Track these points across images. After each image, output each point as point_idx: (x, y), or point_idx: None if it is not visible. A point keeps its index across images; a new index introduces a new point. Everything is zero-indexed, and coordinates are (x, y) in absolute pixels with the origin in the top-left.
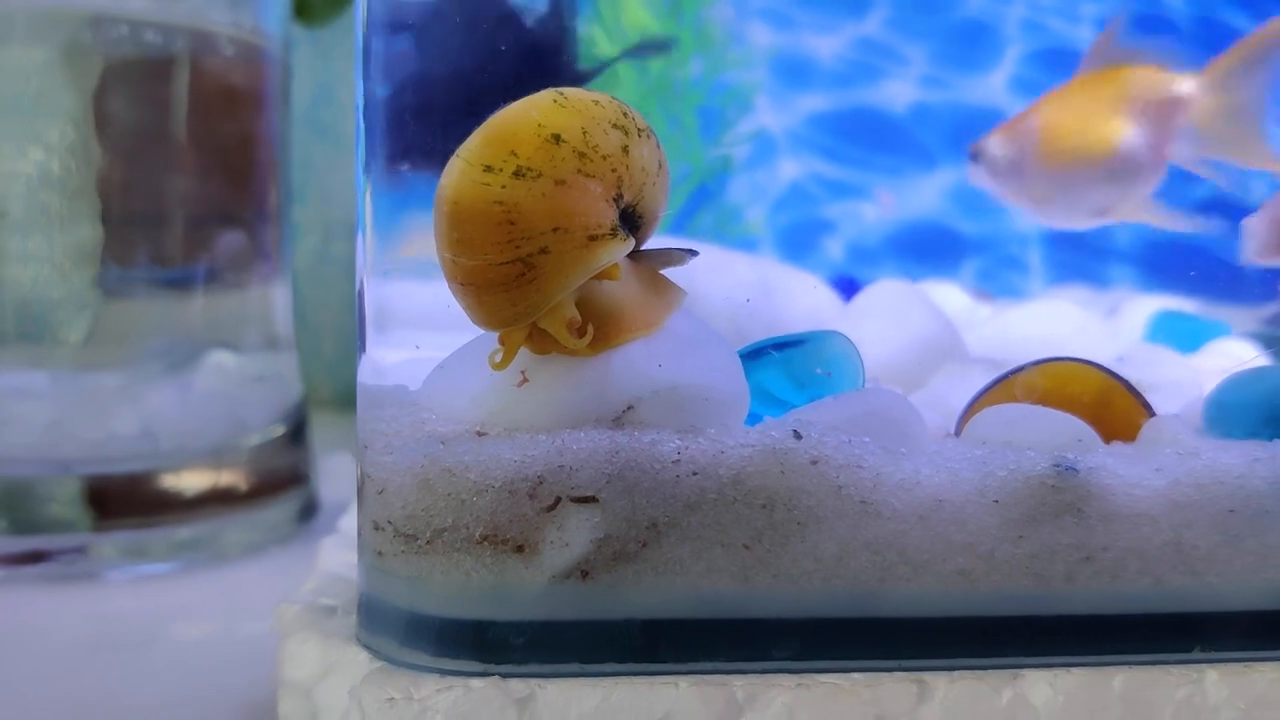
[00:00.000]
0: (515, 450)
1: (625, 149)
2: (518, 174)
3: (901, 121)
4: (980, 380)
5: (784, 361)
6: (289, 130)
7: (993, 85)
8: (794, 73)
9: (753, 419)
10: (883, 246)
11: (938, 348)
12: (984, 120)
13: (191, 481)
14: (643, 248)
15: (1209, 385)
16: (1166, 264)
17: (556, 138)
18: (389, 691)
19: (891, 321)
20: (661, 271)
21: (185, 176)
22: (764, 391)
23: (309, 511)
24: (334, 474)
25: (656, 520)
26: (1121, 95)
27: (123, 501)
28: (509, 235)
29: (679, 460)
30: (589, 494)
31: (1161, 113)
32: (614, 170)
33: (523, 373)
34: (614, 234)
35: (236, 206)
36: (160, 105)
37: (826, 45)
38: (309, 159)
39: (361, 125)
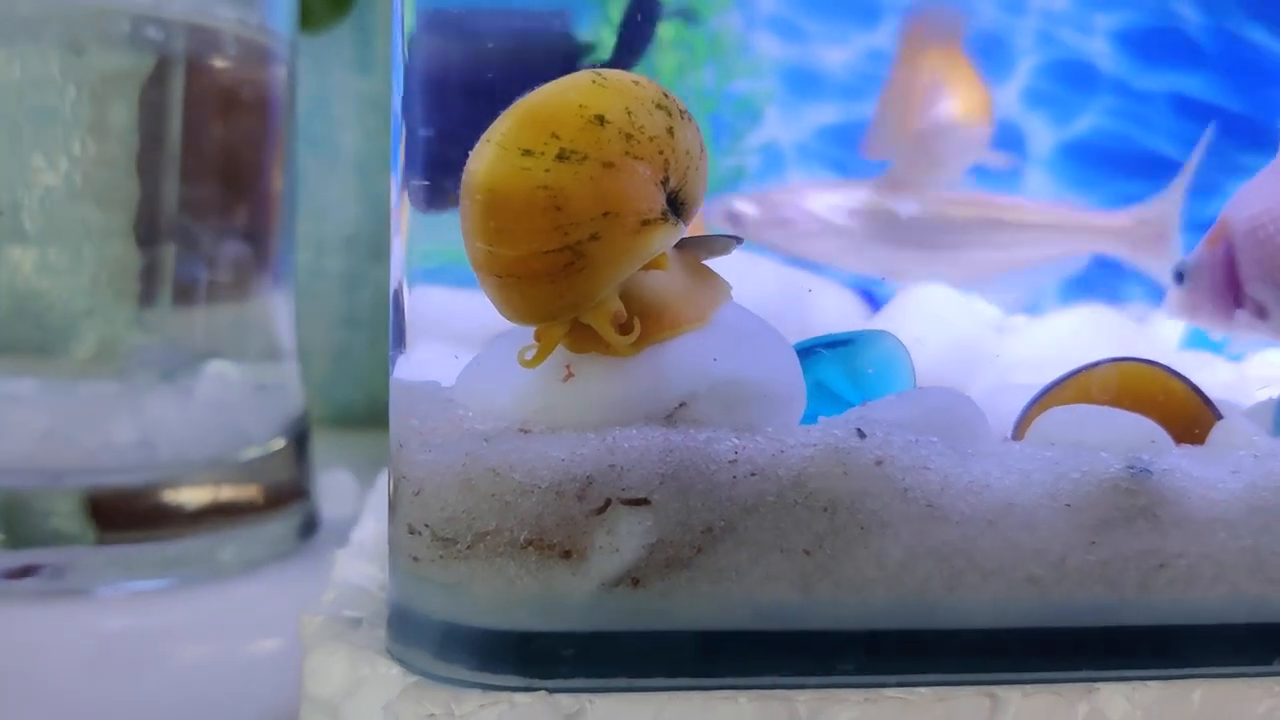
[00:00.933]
0: (563, 449)
1: (670, 130)
2: (561, 157)
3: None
4: (1024, 387)
5: (837, 359)
6: (294, 136)
7: (1005, 98)
8: (804, 84)
9: (807, 419)
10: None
11: (978, 352)
12: (998, 136)
13: (190, 494)
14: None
15: (1262, 391)
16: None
17: (600, 119)
18: (428, 707)
19: (929, 326)
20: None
21: (190, 183)
22: (821, 387)
23: (310, 527)
24: (331, 491)
25: (712, 524)
26: None
27: (120, 514)
28: (555, 222)
29: (736, 460)
30: (641, 496)
31: None
32: (660, 153)
33: (568, 367)
34: (665, 218)
35: (240, 214)
36: (164, 110)
37: (836, 56)
38: (302, 173)
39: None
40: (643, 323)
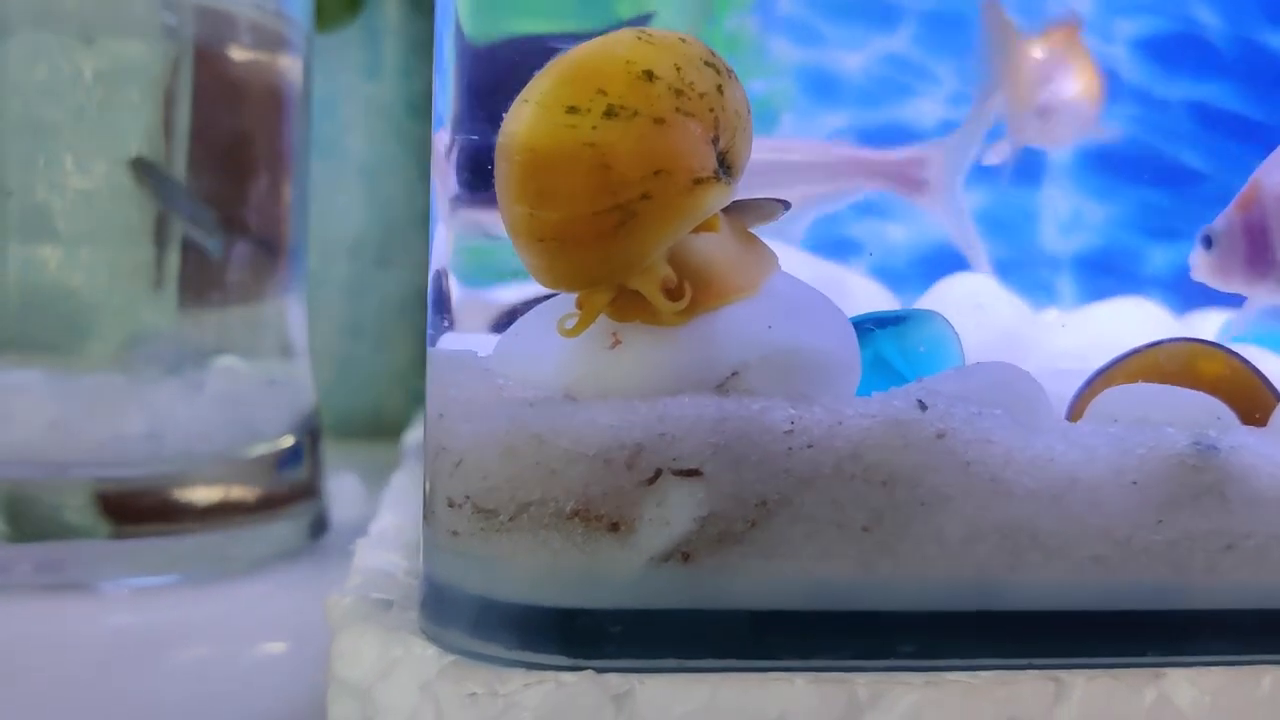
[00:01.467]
0: (612, 415)
1: (720, 89)
2: (609, 113)
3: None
4: (1071, 372)
5: (889, 336)
6: (309, 131)
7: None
8: (821, 88)
9: (862, 393)
10: (910, 267)
11: (1021, 340)
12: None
13: (198, 488)
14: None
15: None
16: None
17: (649, 74)
18: (468, 686)
19: (969, 313)
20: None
21: (207, 178)
22: (878, 360)
23: (320, 527)
24: (339, 495)
25: (766, 497)
26: None
27: (127, 508)
28: (604, 181)
29: (792, 431)
30: (692, 466)
31: None
32: (711, 110)
33: (615, 334)
34: (717, 177)
35: (252, 212)
36: (176, 101)
37: (854, 61)
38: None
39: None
40: (692, 290)
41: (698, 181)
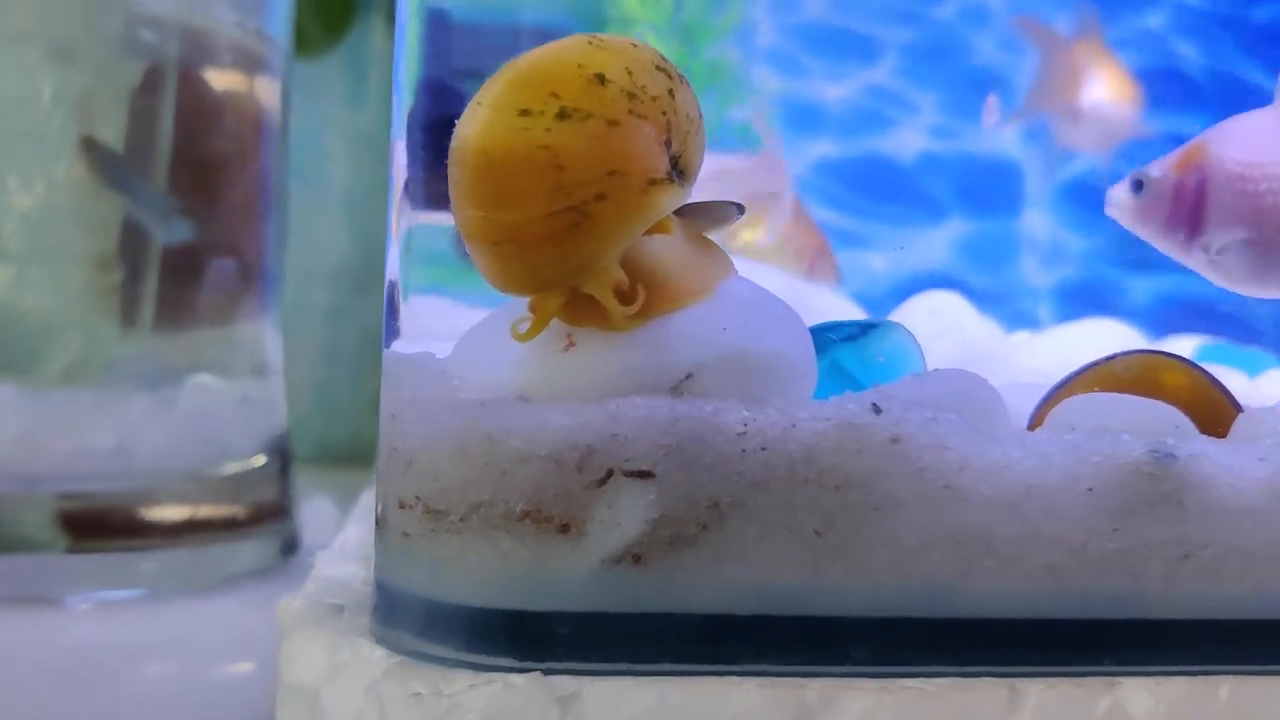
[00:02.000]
0: (564, 415)
1: (671, 92)
2: (562, 115)
3: (911, 171)
4: (1035, 386)
5: (848, 345)
6: (287, 152)
7: (1004, 135)
8: (802, 119)
9: (817, 399)
10: (889, 296)
11: (988, 356)
12: (995, 171)
13: (166, 505)
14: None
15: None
16: (1185, 317)
17: (601, 77)
18: (414, 686)
19: (938, 328)
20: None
21: (184, 197)
22: (835, 367)
23: (290, 547)
24: (312, 518)
25: (718, 499)
26: None
27: (93, 523)
28: (558, 182)
29: (745, 433)
30: (644, 468)
31: None
32: (663, 113)
33: (568, 336)
34: (670, 179)
35: (231, 233)
36: (153, 120)
37: (835, 92)
38: (290, 205)
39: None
40: (645, 293)
41: (651, 182)
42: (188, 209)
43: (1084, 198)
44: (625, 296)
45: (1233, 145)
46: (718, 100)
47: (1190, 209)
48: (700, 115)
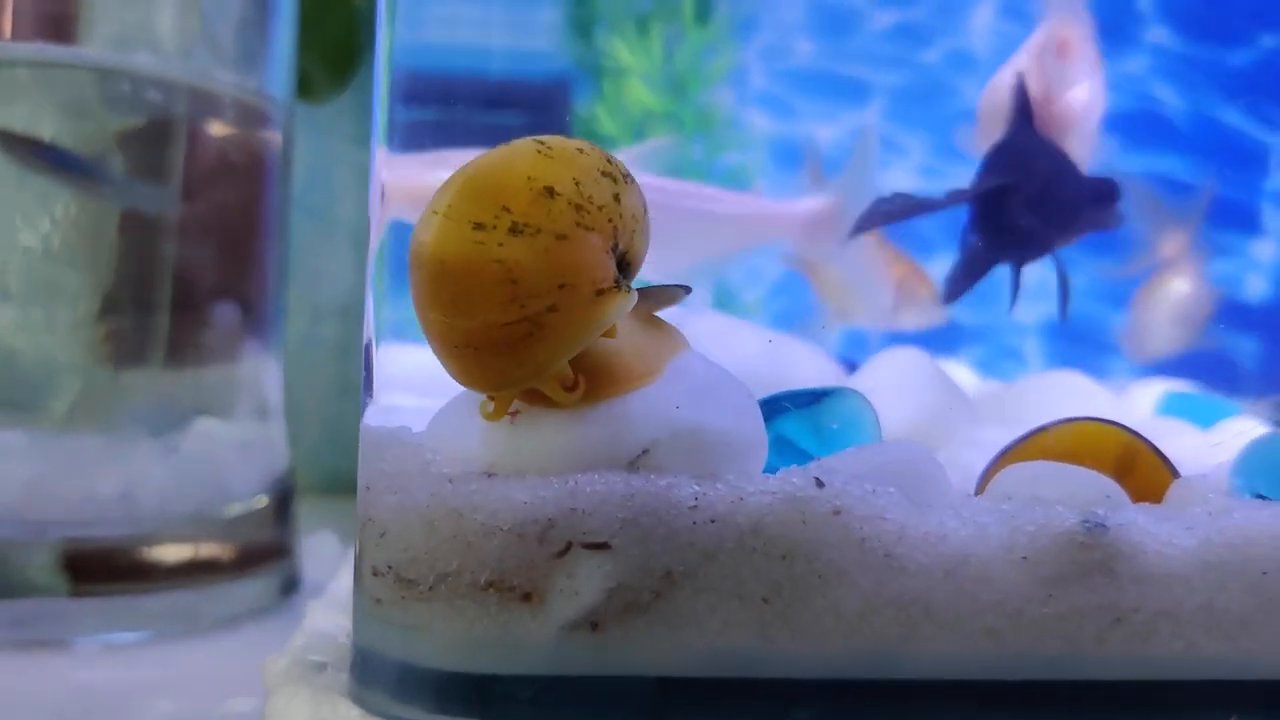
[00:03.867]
0: (526, 491)
1: (617, 197)
2: (514, 230)
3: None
4: (993, 445)
5: (802, 414)
6: (289, 200)
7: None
8: (793, 159)
9: (771, 471)
10: (879, 333)
11: (950, 413)
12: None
13: (170, 548)
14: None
15: (1229, 458)
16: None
17: (550, 190)
18: None
19: (902, 387)
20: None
21: (182, 245)
22: (783, 441)
23: (291, 586)
24: (316, 553)
25: (671, 569)
26: None
27: (99, 567)
28: (512, 294)
29: (696, 506)
30: (601, 540)
31: None
32: (610, 221)
33: (513, 411)
34: (618, 286)
35: (233, 278)
36: (160, 171)
37: (825, 134)
38: (300, 241)
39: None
40: (592, 381)
41: (600, 292)
42: (192, 256)
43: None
44: (568, 384)
45: None
46: (708, 146)
47: None
48: (645, 209)
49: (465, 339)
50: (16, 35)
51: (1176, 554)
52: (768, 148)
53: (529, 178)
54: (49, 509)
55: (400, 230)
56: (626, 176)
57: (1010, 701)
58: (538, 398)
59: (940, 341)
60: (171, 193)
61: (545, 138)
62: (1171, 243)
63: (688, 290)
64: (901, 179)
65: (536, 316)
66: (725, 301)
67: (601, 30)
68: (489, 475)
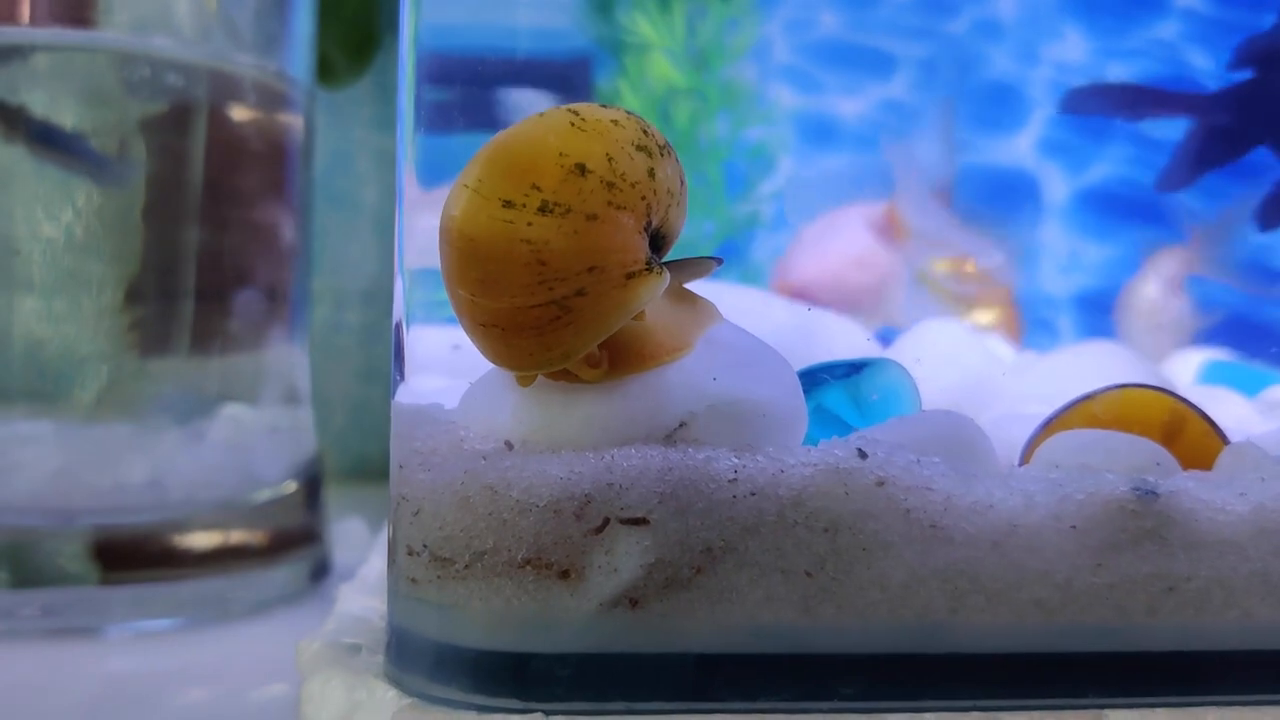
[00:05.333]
0: (561, 467)
1: (651, 172)
2: (544, 209)
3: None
4: (1034, 416)
5: (841, 385)
6: (311, 183)
7: (1019, 148)
8: (818, 134)
9: (809, 443)
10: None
11: (988, 384)
12: (1011, 183)
13: (200, 535)
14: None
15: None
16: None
17: (581, 168)
18: None
19: (941, 358)
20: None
21: (206, 232)
22: (823, 412)
23: (321, 572)
24: (345, 538)
25: (711, 544)
26: None
27: (129, 555)
28: (540, 276)
29: (735, 479)
30: (639, 515)
31: None
32: (643, 198)
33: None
34: (650, 268)
35: (257, 263)
36: (182, 157)
37: (850, 106)
38: (323, 227)
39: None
40: (621, 357)
41: (630, 275)
42: (216, 241)
43: (1101, 206)
44: (593, 361)
45: None
46: (733, 121)
47: None
48: (683, 182)
49: (493, 318)
50: (35, 21)
51: (1229, 520)
52: (793, 122)
53: (560, 153)
54: (78, 498)
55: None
56: (663, 148)
57: (1060, 673)
58: (561, 373)
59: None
60: (130, 167)
61: (580, 107)
62: None
63: (719, 262)
64: (932, 151)
65: (565, 300)
66: (752, 276)
67: (623, 6)
68: (523, 451)
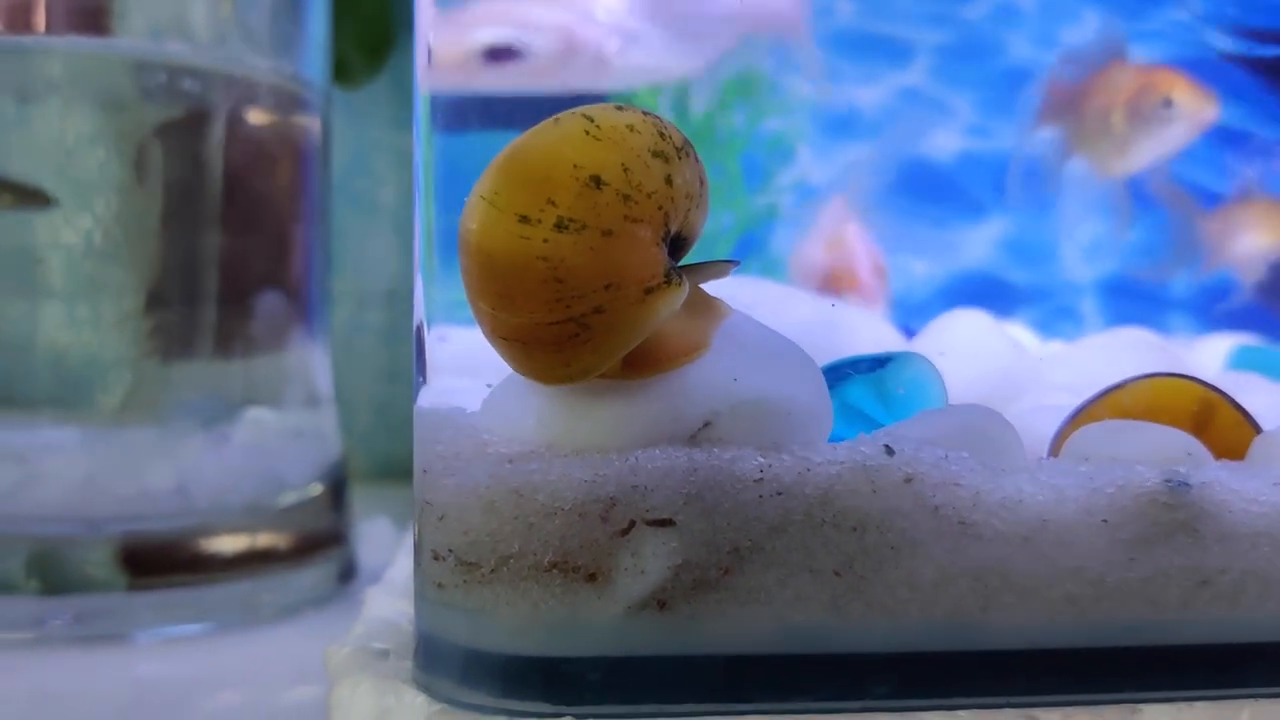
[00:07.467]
0: (586, 469)
1: (669, 179)
2: (560, 226)
3: (948, 171)
4: (1063, 407)
5: (867, 381)
6: (329, 185)
7: (1038, 134)
8: (837, 123)
9: (835, 439)
10: (932, 297)
11: (1015, 376)
12: (1030, 168)
13: (226, 540)
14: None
15: None
16: (1223, 310)
17: (596, 180)
18: None
19: (966, 350)
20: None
21: (225, 236)
22: (849, 407)
23: (348, 574)
24: (371, 539)
25: (738, 544)
26: None
27: (156, 560)
28: (558, 294)
29: (762, 479)
30: (665, 516)
31: None
32: (660, 208)
33: None
34: (669, 281)
35: (276, 266)
36: (200, 161)
37: (869, 95)
38: (343, 228)
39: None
40: (634, 361)
41: (648, 291)
42: (235, 245)
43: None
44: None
45: None
46: (750, 113)
47: None
48: (703, 183)
49: (513, 333)
50: (50, 29)
51: (1263, 511)
52: (809, 112)
53: (575, 165)
54: (104, 504)
55: (450, 211)
56: (680, 150)
57: (1093, 669)
58: None
59: (996, 302)
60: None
61: (595, 112)
62: None
63: (735, 264)
64: (950, 140)
65: (583, 317)
66: (772, 269)
67: None
68: (548, 454)
